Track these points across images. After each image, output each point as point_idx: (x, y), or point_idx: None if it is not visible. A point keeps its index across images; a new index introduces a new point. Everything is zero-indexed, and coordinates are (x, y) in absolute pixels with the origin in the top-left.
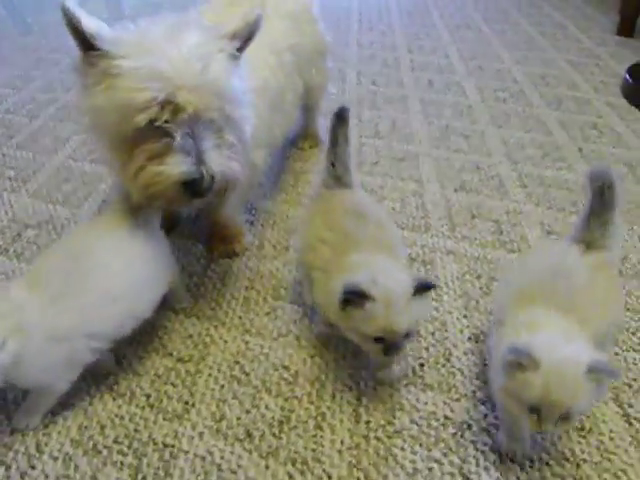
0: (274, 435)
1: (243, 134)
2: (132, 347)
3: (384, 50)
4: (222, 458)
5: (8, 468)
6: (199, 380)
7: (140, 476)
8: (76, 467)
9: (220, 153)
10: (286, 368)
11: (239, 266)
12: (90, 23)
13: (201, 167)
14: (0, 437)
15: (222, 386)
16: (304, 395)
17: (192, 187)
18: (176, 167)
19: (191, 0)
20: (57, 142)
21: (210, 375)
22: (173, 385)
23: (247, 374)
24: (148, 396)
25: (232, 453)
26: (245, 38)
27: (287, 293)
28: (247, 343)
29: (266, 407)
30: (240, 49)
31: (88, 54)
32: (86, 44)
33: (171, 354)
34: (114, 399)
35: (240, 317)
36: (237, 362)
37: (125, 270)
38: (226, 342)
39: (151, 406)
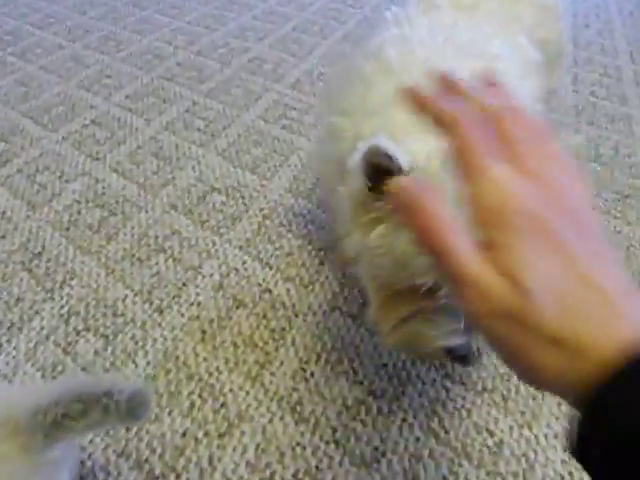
0: None
1: None
2: (319, 364)
3: (603, 55)
4: None
5: (178, 477)
6: (392, 424)
7: None
8: None
9: None
10: (490, 433)
11: None
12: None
13: (471, 338)
14: (172, 439)
15: (417, 439)
16: (509, 474)
17: (456, 354)
18: (442, 334)
19: None
20: (248, 97)
21: (405, 421)
22: (363, 423)
23: (446, 431)
24: (334, 430)
25: None
26: None
27: None
28: (448, 391)
29: (466, 478)
30: None
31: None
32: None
33: (362, 383)
34: (296, 423)
35: None
36: (435, 412)
37: None
38: (424, 384)
39: (336, 443)
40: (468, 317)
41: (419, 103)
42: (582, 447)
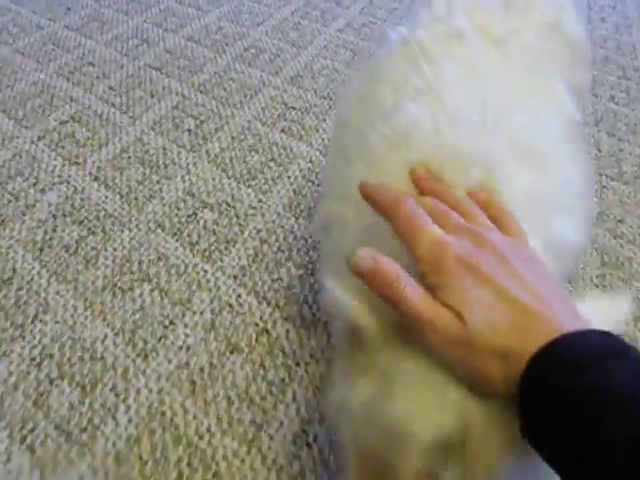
0: None
1: None
2: (323, 426)
3: (621, 54)
4: None
5: None
6: None
7: None
8: None
9: None
10: None
11: None
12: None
13: None
14: None
15: None
16: None
17: None
18: None
19: None
20: (243, 92)
21: None
22: None
23: None
24: None
25: None
26: None
27: None
28: None
29: None
30: None
31: None
32: None
33: None
34: None
35: None
36: None
37: None
38: None
39: None
40: (427, 348)
41: (363, 192)
42: (523, 426)
